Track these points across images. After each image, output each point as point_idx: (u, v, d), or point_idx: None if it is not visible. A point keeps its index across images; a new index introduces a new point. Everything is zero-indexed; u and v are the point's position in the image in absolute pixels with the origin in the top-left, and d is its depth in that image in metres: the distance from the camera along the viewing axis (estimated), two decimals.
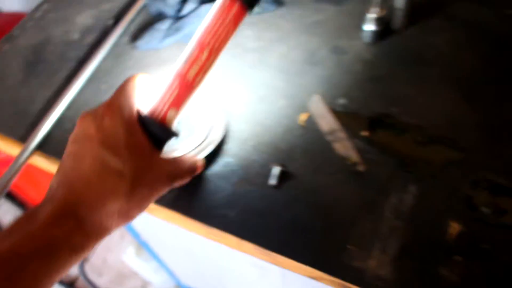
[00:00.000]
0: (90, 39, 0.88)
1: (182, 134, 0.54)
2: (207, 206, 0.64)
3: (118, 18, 0.90)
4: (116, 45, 0.85)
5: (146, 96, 0.51)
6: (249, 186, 0.64)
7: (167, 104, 0.50)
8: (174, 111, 0.50)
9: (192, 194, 0.65)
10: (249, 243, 0.61)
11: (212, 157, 0.66)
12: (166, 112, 0.50)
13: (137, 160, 0.47)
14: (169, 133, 0.51)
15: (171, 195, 0.63)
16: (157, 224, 0.99)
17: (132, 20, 0.89)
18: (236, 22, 0.50)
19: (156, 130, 0.49)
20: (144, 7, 0.90)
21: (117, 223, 0.47)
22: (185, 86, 0.50)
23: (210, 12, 0.50)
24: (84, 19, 0.92)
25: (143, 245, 1.30)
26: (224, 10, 0.49)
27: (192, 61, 0.49)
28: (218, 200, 0.64)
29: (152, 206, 0.62)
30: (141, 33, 0.86)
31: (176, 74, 0.50)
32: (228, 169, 0.66)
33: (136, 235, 1.18)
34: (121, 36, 0.86)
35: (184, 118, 0.69)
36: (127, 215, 0.48)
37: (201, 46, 0.49)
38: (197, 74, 0.50)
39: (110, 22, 0.89)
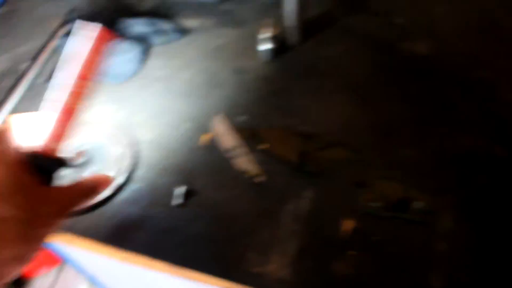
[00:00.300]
0: (7, 82, 0.91)
1: (91, 165, 0.57)
2: (119, 231, 0.67)
3: (33, 60, 0.92)
4: (31, 86, 0.88)
5: (27, 134, 0.54)
6: (157, 207, 0.68)
7: (50, 136, 0.52)
8: (57, 141, 0.53)
9: (103, 221, 0.67)
10: (160, 261, 0.64)
11: (122, 185, 0.70)
12: (49, 144, 0.53)
13: (26, 200, 0.49)
14: (55, 164, 0.53)
15: (85, 226, 0.66)
16: (93, 257, 1.00)
17: (47, 61, 0.92)
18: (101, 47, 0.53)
19: (42, 163, 0.51)
20: (58, 47, 0.93)
21: (14, 269, 0.48)
22: (64, 115, 0.52)
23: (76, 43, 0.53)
24: (0, 63, 0.95)
25: (92, 280, 1.30)
26: (92, 39, 0.53)
27: (68, 91, 0.52)
28: (128, 225, 0.67)
29: (69, 237, 0.65)
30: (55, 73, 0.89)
31: (54, 106, 0.53)
32: (137, 194, 0.69)
33: (81, 270, 1.18)
34: (37, 77, 0.89)
35: (92, 148, 0.72)
36: (24, 259, 0.49)
37: (76, 76, 0.52)
38: (73, 102, 0.52)
39: (26, 64, 0.92)
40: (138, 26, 0.86)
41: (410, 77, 0.78)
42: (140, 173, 0.71)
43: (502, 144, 0.68)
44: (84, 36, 0.54)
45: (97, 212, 0.67)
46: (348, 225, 0.64)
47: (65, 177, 0.56)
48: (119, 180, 0.67)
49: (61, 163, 0.53)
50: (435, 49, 0.82)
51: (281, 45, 0.82)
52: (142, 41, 0.86)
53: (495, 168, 0.67)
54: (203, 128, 0.75)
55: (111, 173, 0.67)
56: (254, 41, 0.84)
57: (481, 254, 0.59)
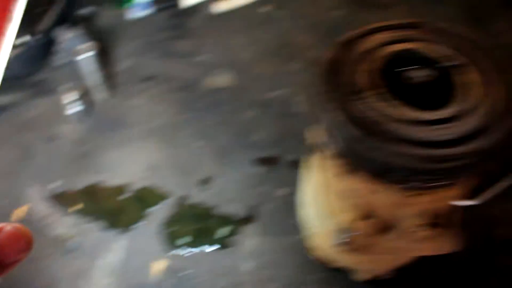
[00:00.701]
0: None
1: None
2: None
3: None
4: None
5: None
6: None
7: None
8: None
9: None
10: None
11: None
12: None
13: None
14: None
15: None
16: None
17: None
18: None
19: None
20: None
21: None
22: None
23: None
24: None
25: None
26: None
27: None
28: None
29: None
30: None
31: None
32: None
33: None
34: None
35: None
36: None
37: None
38: None
39: None
40: None
41: (212, 110, 0.84)
42: None
43: (292, 152, 0.75)
44: None
45: None
46: (158, 266, 0.67)
47: None
48: None
49: None
50: (235, 79, 0.89)
51: (89, 105, 0.85)
52: None
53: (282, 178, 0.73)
54: (17, 203, 0.75)
55: None
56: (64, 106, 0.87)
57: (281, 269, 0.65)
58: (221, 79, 0.90)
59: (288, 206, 0.69)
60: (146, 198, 0.74)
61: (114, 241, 0.70)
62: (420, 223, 0.43)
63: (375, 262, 0.56)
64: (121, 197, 0.74)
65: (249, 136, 0.80)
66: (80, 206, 0.74)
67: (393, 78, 0.43)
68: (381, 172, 0.40)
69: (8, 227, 0.24)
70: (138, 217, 0.72)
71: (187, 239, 0.69)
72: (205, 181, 0.75)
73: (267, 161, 0.77)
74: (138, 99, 0.88)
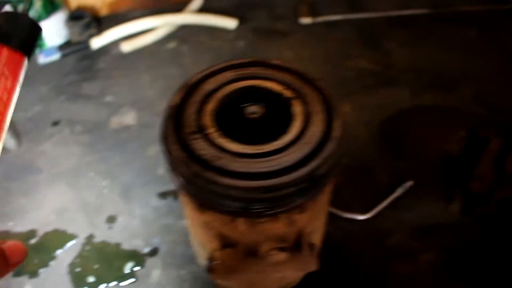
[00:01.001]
0: None
1: None
2: None
3: None
4: None
5: None
6: None
7: None
8: None
9: None
10: None
11: None
12: None
13: None
14: None
15: None
16: None
17: None
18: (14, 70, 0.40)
19: None
20: None
21: None
22: None
23: None
24: None
25: None
26: None
27: None
28: None
29: None
30: None
31: None
32: None
33: None
34: None
35: None
36: None
37: None
38: None
39: None
40: None
41: (118, 149, 0.87)
42: None
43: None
44: None
45: None
46: None
47: None
48: None
49: None
50: (140, 117, 0.93)
51: None
52: None
53: None
54: None
55: None
56: None
57: None
58: (127, 118, 0.93)
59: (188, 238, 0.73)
60: (53, 241, 0.76)
61: (22, 285, 0.71)
62: (272, 248, 0.48)
63: (260, 285, 0.61)
64: (28, 243, 0.76)
65: (153, 172, 0.84)
66: None
67: (233, 115, 0.48)
68: (224, 204, 0.44)
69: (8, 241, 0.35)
70: (46, 261, 0.74)
71: (95, 277, 0.72)
72: (111, 219, 0.78)
73: (170, 194, 0.80)
74: (46, 145, 0.90)
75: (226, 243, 0.50)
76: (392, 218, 0.77)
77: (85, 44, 1.07)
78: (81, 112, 0.96)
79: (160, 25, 1.09)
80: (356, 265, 0.72)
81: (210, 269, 0.49)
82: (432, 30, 1.12)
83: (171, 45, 1.09)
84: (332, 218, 0.76)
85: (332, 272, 0.70)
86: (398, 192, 0.80)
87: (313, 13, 1.14)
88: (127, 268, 0.73)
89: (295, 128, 0.45)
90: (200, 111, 0.47)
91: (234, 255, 0.49)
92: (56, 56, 1.06)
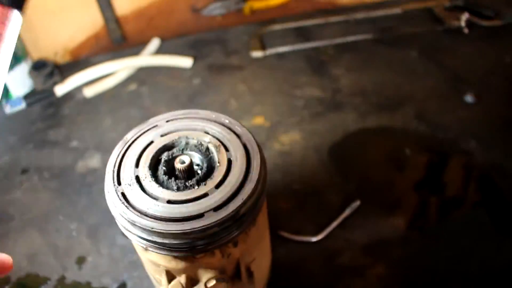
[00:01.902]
0: None
1: None
2: None
3: None
4: None
5: None
6: None
7: None
8: None
9: None
10: None
11: None
12: None
13: None
14: None
15: None
16: None
17: None
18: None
19: None
20: None
21: None
22: None
23: None
24: None
25: None
26: None
27: None
28: None
29: None
30: None
31: None
32: None
33: None
34: None
35: None
36: None
37: None
38: None
39: None
40: None
41: (84, 192, 0.93)
42: None
43: None
44: None
45: None
46: None
47: None
48: None
49: None
50: (105, 159, 0.99)
51: None
52: None
53: None
54: None
55: None
56: None
57: None
58: (92, 161, 0.99)
59: None
60: (27, 286, 0.81)
61: None
62: (212, 278, 0.54)
63: None
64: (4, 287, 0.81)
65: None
66: None
67: (167, 164, 0.54)
68: (163, 244, 0.50)
69: None
70: None
71: None
72: (81, 260, 0.83)
73: None
74: (16, 192, 0.95)
75: (172, 276, 0.56)
76: (342, 238, 0.83)
77: (49, 92, 1.13)
78: (49, 159, 1.01)
79: (119, 69, 1.15)
80: (308, 285, 0.78)
81: None
82: (376, 54, 1.20)
83: (131, 87, 1.16)
84: (284, 242, 0.82)
85: None
86: (346, 212, 0.87)
87: (264, 46, 1.21)
88: None
89: (219, 173, 0.52)
90: (137, 164, 0.53)
91: (180, 287, 0.55)
92: (21, 106, 1.12)
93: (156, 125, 0.58)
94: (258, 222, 0.57)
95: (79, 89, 1.15)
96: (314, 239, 0.84)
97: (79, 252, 0.85)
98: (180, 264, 0.53)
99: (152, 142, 0.56)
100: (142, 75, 1.19)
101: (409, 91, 1.10)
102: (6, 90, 1.10)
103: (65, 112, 1.12)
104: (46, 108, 1.13)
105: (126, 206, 0.50)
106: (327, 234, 0.84)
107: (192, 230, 0.47)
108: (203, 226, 0.47)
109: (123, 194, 0.51)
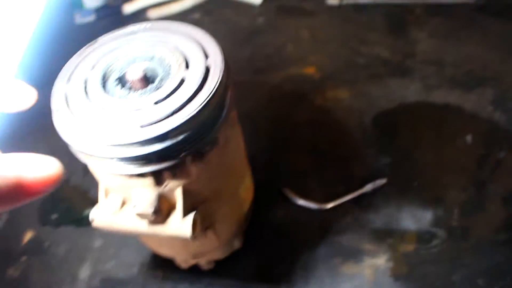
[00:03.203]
0: None
1: None
2: None
3: None
4: None
5: None
6: None
7: None
8: None
9: None
10: None
11: None
12: None
13: None
14: None
15: None
16: None
17: None
18: None
19: None
20: None
21: None
22: None
23: None
24: None
25: None
26: None
27: None
28: None
29: None
30: None
31: None
32: None
33: None
34: None
35: None
36: None
37: None
38: None
39: None
40: None
41: None
42: None
43: None
44: None
45: None
46: (26, 235, 0.78)
47: None
48: None
49: None
50: None
51: None
52: None
53: None
54: None
55: None
56: None
57: None
58: None
59: None
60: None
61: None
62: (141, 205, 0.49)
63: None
64: None
65: None
66: None
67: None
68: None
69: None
70: None
71: (57, 215, 0.79)
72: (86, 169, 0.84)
73: None
74: None
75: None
76: (352, 215, 0.73)
77: (118, 9, 1.14)
78: None
79: None
80: (293, 256, 0.70)
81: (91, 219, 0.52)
82: (472, 23, 1.02)
83: (195, 15, 1.12)
84: (285, 203, 0.75)
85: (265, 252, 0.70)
86: (367, 188, 0.76)
87: None
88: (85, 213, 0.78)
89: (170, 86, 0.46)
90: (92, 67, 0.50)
91: (112, 205, 0.51)
92: (91, 18, 1.15)
93: (133, 32, 0.53)
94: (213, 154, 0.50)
95: (145, 10, 1.14)
96: (318, 206, 0.75)
97: None
98: (115, 183, 0.49)
99: (118, 47, 0.52)
100: (209, 6, 1.15)
101: (496, 71, 0.91)
102: (80, 0, 1.13)
103: None
104: (113, 24, 1.13)
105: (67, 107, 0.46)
106: (335, 205, 0.74)
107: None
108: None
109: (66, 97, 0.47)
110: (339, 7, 1.09)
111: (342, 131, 0.85)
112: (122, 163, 0.45)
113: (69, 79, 0.49)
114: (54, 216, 0.79)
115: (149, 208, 0.48)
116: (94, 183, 0.81)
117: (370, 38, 1.01)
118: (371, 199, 0.74)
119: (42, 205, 0.80)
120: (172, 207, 0.51)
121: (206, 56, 0.49)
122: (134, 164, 0.45)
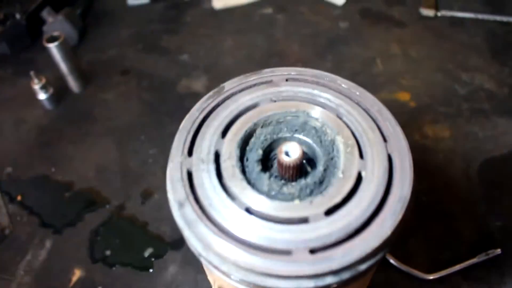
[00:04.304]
0: None
1: None
2: None
3: None
4: None
5: None
6: None
7: None
8: None
9: None
10: None
11: None
12: None
13: None
14: None
15: None
16: None
17: None
18: None
19: None
20: None
21: None
22: None
23: None
24: None
25: None
26: None
27: None
28: None
29: None
30: None
31: None
32: None
33: None
34: None
35: None
36: None
37: None
38: None
39: None
40: None
41: (176, 117, 0.80)
42: None
43: None
44: None
45: None
46: (75, 275, 0.66)
47: None
48: None
49: None
50: (210, 86, 0.84)
51: (62, 93, 0.84)
52: None
53: None
54: None
55: None
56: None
57: None
58: (196, 84, 0.85)
59: None
60: (85, 201, 0.72)
61: (44, 239, 0.69)
62: None
63: None
64: (64, 194, 0.73)
65: None
66: (19, 197, 0.74)
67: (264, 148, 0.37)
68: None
69: None
70: (74, 219, 0.70)
71: (112, 252, 0.67)
72: (146, 194, 0.72)
73: None
74: (109, 93, 0.86)
75: None
76: None
77: None
78: (153, 66, 0.89)
79: None
80: None
81: None
82: None
83: (267, 10, 0.98)
84: (386, 266, 0.63)
85: None
86: (479, 258, 0.64)
87: (438, 4, 0.94)
88: (145, 253, 0.67)
89: (336, 189, 0.33)
90: (223, 134, 0.37)
91: None
92: (146, 0, 1.00)
93: (271, 81, 0.40)
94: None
95: None
96: (424, 276, 0.63)
97: (148, 184, 0.73)
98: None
99: (256, 105, 0.38)
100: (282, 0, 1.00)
101: None
102: None
103: (186, 19, 0.98)
104: (168, 10, 0.99)
105: (189, 201, 0.33)
106: (442, 276, 0.63)
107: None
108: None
109: (189, 175, 0.34)
110: (434, 18, 0.94)
111: (445, 180, 0.72)
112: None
113: (190, 150, 0.36)
114: (107, 253, 0.67)
115: None
116: (154, 215, 0.71)
117: (471, 63, 0.87)
118: (481, 272, 0.63)
119: (92, 235, 0.68)
120: None
121: (384, 138, 0.36)
122: None
